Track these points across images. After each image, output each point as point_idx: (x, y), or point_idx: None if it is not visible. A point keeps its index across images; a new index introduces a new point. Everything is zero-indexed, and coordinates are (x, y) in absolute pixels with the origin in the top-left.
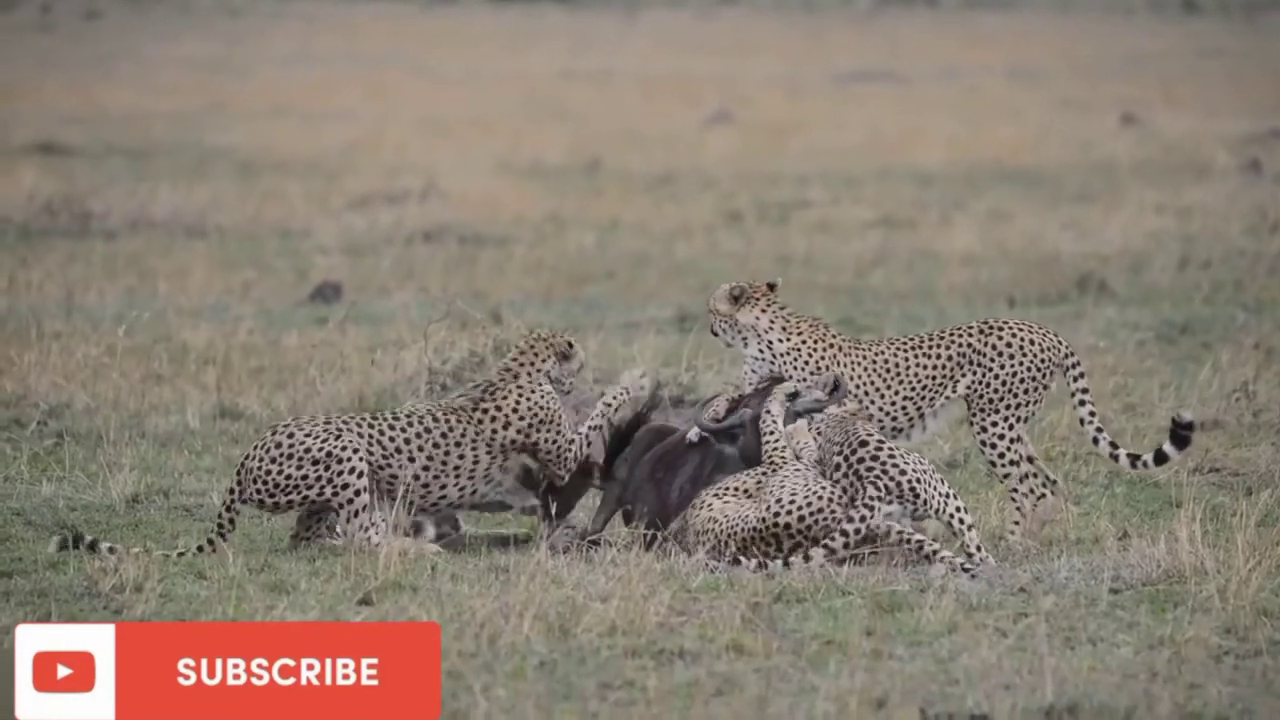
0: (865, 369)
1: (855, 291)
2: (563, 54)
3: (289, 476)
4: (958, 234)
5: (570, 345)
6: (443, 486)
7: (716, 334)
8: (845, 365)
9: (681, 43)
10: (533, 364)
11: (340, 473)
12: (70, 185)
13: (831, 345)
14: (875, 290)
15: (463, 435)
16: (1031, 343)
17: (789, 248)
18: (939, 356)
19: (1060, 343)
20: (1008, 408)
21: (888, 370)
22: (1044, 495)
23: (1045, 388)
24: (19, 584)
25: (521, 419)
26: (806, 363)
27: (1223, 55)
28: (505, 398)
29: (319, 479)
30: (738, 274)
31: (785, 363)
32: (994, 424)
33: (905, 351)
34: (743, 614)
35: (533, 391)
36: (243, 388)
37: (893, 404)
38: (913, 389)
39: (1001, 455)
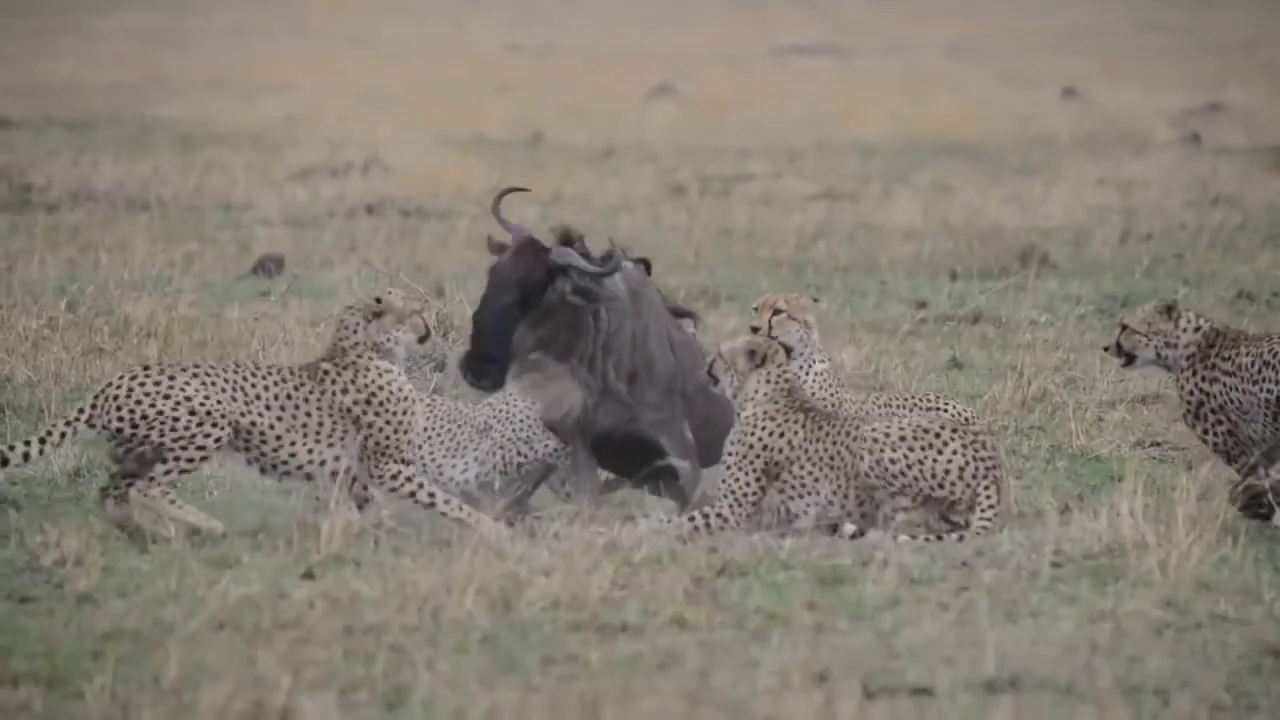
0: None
1: (797, 264)
2: (505, 27)
3: (160, 413)
4: (899, 207)
5: (377, 300)
6: (292, 443)
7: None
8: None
9: (624, 17)
10: (347, 338)
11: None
12: (10, 157)
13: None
14: (818, 263)
15: (309, 394)
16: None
17: (731, 221)
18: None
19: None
20: None
21: None
22: None
23: None
24: None
25: (359, 391)
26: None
27: (1163, 30)
28: (346, 367)
29: (188, 431)
30: (681, 247)
31: (820, 383)
32: None
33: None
34: (685, 588)
35: (366, 368)
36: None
37: None
38: None
39: None
